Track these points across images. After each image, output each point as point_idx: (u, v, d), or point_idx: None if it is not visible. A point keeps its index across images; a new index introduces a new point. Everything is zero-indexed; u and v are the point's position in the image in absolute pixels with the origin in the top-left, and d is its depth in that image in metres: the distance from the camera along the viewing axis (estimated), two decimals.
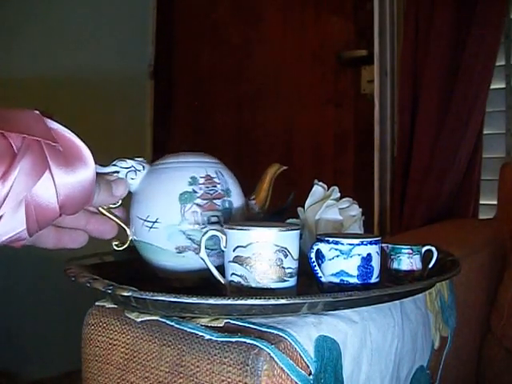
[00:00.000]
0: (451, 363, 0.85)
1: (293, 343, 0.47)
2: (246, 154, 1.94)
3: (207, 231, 0.55)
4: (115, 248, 0.60)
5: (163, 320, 0.52)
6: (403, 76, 1.47)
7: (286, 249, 0.54)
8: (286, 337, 0.47)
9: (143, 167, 0.59)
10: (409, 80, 1.44)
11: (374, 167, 1.58)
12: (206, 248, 0.54)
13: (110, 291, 0.50)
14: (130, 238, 0.60)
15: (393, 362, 0.61)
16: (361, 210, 0.76)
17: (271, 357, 0.45)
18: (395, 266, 0.67)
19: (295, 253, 0.55)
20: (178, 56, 2.17)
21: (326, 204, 0.74)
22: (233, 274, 0.55)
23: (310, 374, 0.48)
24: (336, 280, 0.58)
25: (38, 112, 0.46)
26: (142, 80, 2.12)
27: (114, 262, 0.70)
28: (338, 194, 0.77)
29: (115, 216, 0.58)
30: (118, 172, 0.58)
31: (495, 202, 1.35)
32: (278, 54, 1.90)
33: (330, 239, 0.58)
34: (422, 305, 0.71)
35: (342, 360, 0.52)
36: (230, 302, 0.47)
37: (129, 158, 0.59)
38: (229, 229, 0.55)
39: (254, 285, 0.53)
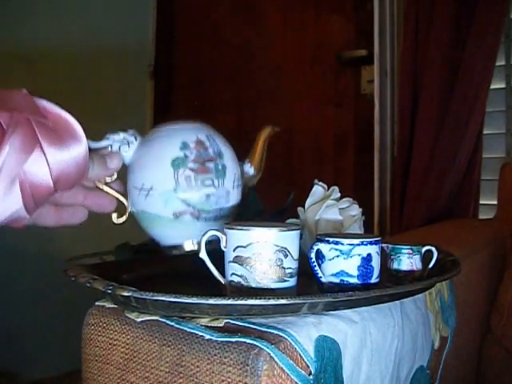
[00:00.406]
0: (451, 363, 0.85)
1: (293, 343, 0.47)
2: (245, 153, 1.94)
3: (207, 231, 0.55)
4: (114, 221, 0.60)
5: (163, 320, 0.52)
6: (403, 76, 1.47)
7: (286, 249, 0.54)
8: (286, 337, 0.47)
9: (135, 138, 0.60)
10: (409, 80, 1.44)
11: (374, 167, 1.58)
12: (202, 211, 0.56)
13: (110, 291, 0.50)
14: (129, 209, 0.60)
15: (393, 362, 0.61)
16: (361, 210, 0.76)
17: (271, 357, 0.45)
18: (395, 266, 0.67)
19: (295, 253, 0.55)
20: (178, 56, 2.17)
21: (326, 204, 0.74)
22: (233, 274, 0.55)
23: (310, 373, 0.48)
24: (336, 280, 0.58)
25: (26, 91, 0.46)
26: (142, 80, 2.12)
27: (113, 262, 0.70)
28: (338, 194, 0.77)
29: (112, 189, 0.58)
30: (111, 146, 0.58)
31: (495, 202, 1.35)
32: (278, 53, 1.90)
33: (330, 239, 0.58)
34: (422, 305, 0.71)
35: (341, 360, 0.52)
36: (230, 302, 0.47)
37: (120, 131, 0.60)
38: (229, 229, 0.55)
39: (254, 285, 0.53)
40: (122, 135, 0.59)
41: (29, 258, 1.95)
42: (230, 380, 0.46)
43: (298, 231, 0.56)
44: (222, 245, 0.55)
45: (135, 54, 2.09)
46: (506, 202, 1.28)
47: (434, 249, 0.68)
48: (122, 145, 0.59)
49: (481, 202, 1.44)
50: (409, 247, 0.67)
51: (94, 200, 0.57)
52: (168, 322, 0.51)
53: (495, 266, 1.12)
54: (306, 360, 0.48)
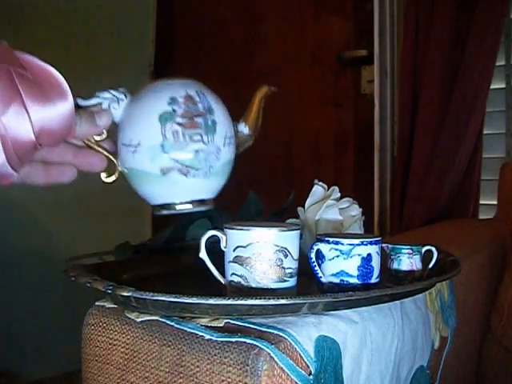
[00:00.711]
0: (451, 363, 0.85)
1: (293, 343, 0.47)
2: (245, 153, 1.94)
3: (207, 231, 0.55)
4: (104, 180, 0.59)
5: (163, 320, 0.52)
6: (403, 76, 1.47)
7: (286, 249, 0.54)
8: (286, 337, 0.47)
9: (125, 96, 0.58)
10: (409, 80, 1.44)
11: (374, 167, 1.58)
12: (191, 167, 0.55)
13: (110, 291, 0.50)
14: (119, 168, 0.58)
15: (393, 362, 0.61)
16: (361, 209, 0.77)
17: (271, 357, 0.45)
18: (395, 266, 0.67)
19: (295, 253, 0.55)
20: (177, 56, 2.17)
21: (326, 204, 0.74)
22: (233, 274, 0.55)
23: (310, 374, 0.48)
24: (336, 280, 0.58)
25: (6, 43, 0.45)
26: (142, 80, 2.12)
27: (113, 262, 0.70)
28: (338, 194, 0.77)
29: (103, 148, 0.57)
30: (100, 103, 0.57)
31: (495, 202, 1.35)
32: (278, 54, 1.90)
33: (330, 239, 0.58)
34: (422, 305, 0.71)
35: (342, 360, 0.52)
36: (230, 302, 0.47)
37: (110, 89, 0.58)
38: (229, 229, 0.55)
39: (254, 285, 0.53)
40: (111, 92, 0.58)
41: (29, 258, 1.95)
42: (229, 380, 0.46)
43: (298, 231, 0.56)
44: (222, 245, 0.55)
45: (135, 54, 2.09)
46: (506, 202, 1.28)
47: (433, 249, 0.68)
48: (112, 102, 0.57)
49: (481, 202, 1.44)
50: (409, 247, 0.67)
51: (83, 158, 0.56)
52: (168, 321, 0.51)
53: (495, 266, 1.12)
54: (305, 360, 0.48)
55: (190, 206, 0.58)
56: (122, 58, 2.03)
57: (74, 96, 0.50)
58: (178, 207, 0.58)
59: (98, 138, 0.57)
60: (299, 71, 1.85)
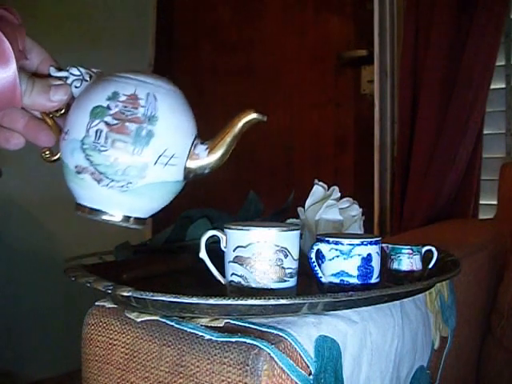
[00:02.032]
0: (451, 363, 0.85)
1: (293, 343, 0.47)
2: (245, 153, 1.94)
3: (207, 231, 0.55)
4: (43, 157, 0.55)
5: (163, 320, 0.52)
6: (403, 76, 1.47)
7: (286, 249, 0.54)
8: (286, 337, 0.47)
9: (90, 77, 0.54)
10: (409, 80, 1.44)
11: (374, 167, 1.58)
12: (105, 175, 0.49)
13: (109, 291, 0.50)
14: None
15: (393, 362, 0.61)
16: (361, 210, 0.77)
17: (271, 357, 0.45)
18: (395, 266, 0.67)
19: (295, 253, 0.55)
20: (177, 56, 2.17)
21: (326, 204, 0.74)
22: (233, 274, 0.55)
23: (310, 374, 0.48)
24: (336, 280, 0.58)
25: None
26: None
27: (113, 262, 0.71)
28: (338, 194, 0.77)
29: (56, 125, 0.54)
30: (66, 78, 0.53)
31: (495, 202, 1.35)
32: (278, 53, 1.90)
33: (330, 239, 0.58)
34: (422, 305, 0.71)
35: (342, 360, 0.52)
36: (230, 302, 0.47)
37: (86, 68, 0.55)
38: (229, 229, 0.55)
39: (254, 285, 0.53)
40: (82, 71, 0.54)
41: (29, 258, 1.95)
42: (229, 380, 0.46)
43: (298, 231, 0.56)
44: (222, 245, 0.55)
45: (135, 54, 2.09)
46: (506, 201, 1.28)
47: (433, 249, 0.68)
48: (76, 80, 0.53)
49: (481, 202, 1.44)
50: (409, 247, 0.67)
51: (32, 130, 0.54)
52: (168, 321, 0.51)
53: (495, 266, 1.12)
54: (305, 360, 0.48)
55: (104, 217, 0.52)
56: (122, 57, 2.03)
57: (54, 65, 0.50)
58: (90, 215, 0.53)
59: (55, 113, 0.53)
60: (299, 71, 1.86)
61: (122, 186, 0.50)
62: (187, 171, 0.53)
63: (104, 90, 0.51)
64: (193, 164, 0.53)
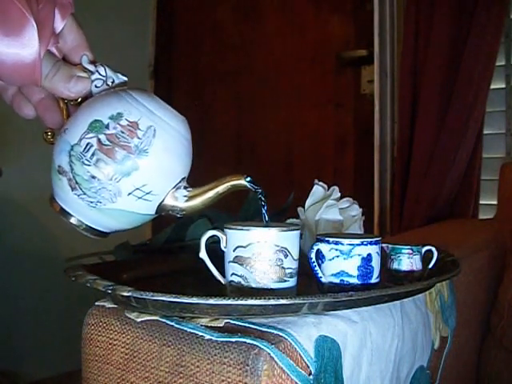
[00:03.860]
0: (451, 363, 0.85)
1: (293, 343, 0.47)
2: (245, 153, 1.94)
3: (207, 231, 0.55)
4: (43, 138, 0.56)
5: (163, 320, 0.52)
6: (403, 76, 1.47)
7: (286, 249, 0.54)
8: (286, 337, 0.47)
9: (112, 83, 0.55)
10: (409, 80, 1.44)
11: (374, 167, 1.58)
12: (80, 186, 0.50)
13: (110, 291, 0.50)
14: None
15: (393, 362, 0.61)
16: (361, 210, 0.77)
17: (271, 357, 0.45)
18: (395, 266, 0.67)
19: (295, 253, 0.55)
20: (177, 56, 2.17)
21: (326, 204, 0.74)
22: (233, 274, 0.55)
23: (310, 374, 0.48)
24: (336, 280, 0.58)
25: None
26: (142, 80, 2.12)
27: (113, 262, 0.71)
28: (338, 194, 0.77)
29: (67, 111, 0.55)
30: (92, 73, 0.54)
31: (495, 202, 1.35)
32: (278, 54, 1.90)
33: (330, 239, 0.58)
34: (422, 305, 0.71)
35: (342, 360, 0.52)
36: (230, 302, 0.47)
37: (114, 72, 0.55)
38: (229, 229, 0.55)
39: (254, 285, 0.53)
40: (108, 73, 0.54)
41: (29, 258, 1.95)
42: (229, 380, 0.46)
43: (298, 231, 0.56)
44: (222, 245, 0.55)
45: (135, 54, 2.09)
46: (506, 201, 1.28)
47: (433, 249, 0.68)
48: (99, 80, 0.54)
49: (481, 202, 1.44)
50: (409, 247, 0.67)
51: (43, 107, 0.55)
52: (168, 321, 0.51)
53: (495, 266, 1.12)
54: (306, 360, 0.48)
55: (71, 221, 0.53)
56: (121, 58, 2.03)
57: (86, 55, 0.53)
58: (59, 213, 0.54)
59: (70, 101, 0.54)
60: (299, 71, 1.86)
61: (92, 202, 0.51)
62: (160, 208, 0.54)
63: (110, 107, 0.51)
64: (168, 203, 0.54)
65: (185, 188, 0.54)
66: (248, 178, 0.54)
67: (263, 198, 0.56)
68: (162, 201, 0.53)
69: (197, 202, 0.54)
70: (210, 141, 1.99)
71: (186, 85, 2.14)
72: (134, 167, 0.50)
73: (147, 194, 0.51)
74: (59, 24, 0.53)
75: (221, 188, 0.54)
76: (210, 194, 0.54)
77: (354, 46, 1.71)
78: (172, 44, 2.18)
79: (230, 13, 2.03)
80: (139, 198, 0.51)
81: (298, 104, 1.85)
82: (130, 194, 0.51)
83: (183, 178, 0.54)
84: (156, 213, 0.54)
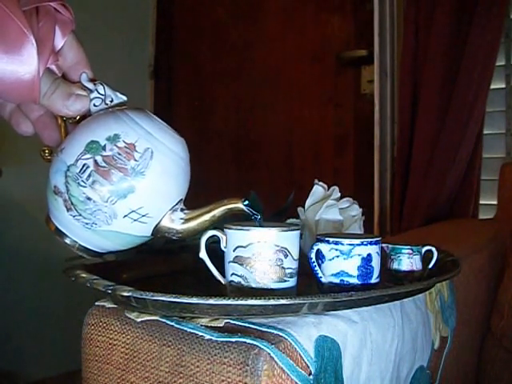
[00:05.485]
0: (451, 363, 0.85)
1: (293, 343, 0.47)
2: (245, 153, 1.94)
3: (207, 231, 0.55)
4: (40, 154, 0.55)
5: (163, 320, 0.52)
6: (403, 76, 1.47)
7: (286, 249, 0.54)
8: (286, 337, 0.47)
9: (111, 101, 0.54)
10: (409, 80, 1.44)
11: (374, 167, 1.58)
12: (75, 207, 0.50)
13: (110, 291, 0.50)
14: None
15: (393, 362, 0.61)
16: (361, 210, 0.77)
17: (271, 357, 0.45)
18: (395, 266, 0.67)
19: (295, 253, 0.55)
20: (177, 56, 2.17)
21: (326, 204, 0.74)
22: (233, 274, 0.55)
23: (310, 374, 0.48)
24: (336, 280, 0.58)
25: None
26: (142, 80, 2.12)
27: (114, 262, 0.70)
28: (338, 194, 0.77)
29: (64, 129, 0.55)
30: (90, 91, 0.53)
31: (495, 202, 1.35)
32: (278, 53, 1.90)
33: (330, 239, 0.58)
34: (422, 305, 0.71)
35: (342, 360, 0.52)
36: (230, 302, 0.47)
37: (113, 90, 0.55)
38: (229, 229, 0.55)
39: (254, 285, 0.53)
40: (107, 92, 0.54)
41: (29, 258, 1.95)
42: (229, 380, 0.46)
43: (298, 231, 0.56)
44: (222, 245, 0.55)
45: (135, 54, 2.09)
46: (506, 201, 1.28)
47: (433, 249, 0.68)
48: (97, 98, 0.53)
49: (481, 202, 1.44)
50: (409, 247, 0.67)
51: (41, 124, 0.55)
52: (168, 321, 0.51)
53: (495, 266, 1.12)
54: (306, 360, 0.48)
55: (66, 241, 0.54)
56: (121, 58, 2.03)
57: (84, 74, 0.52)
58: (54, 233, 0.54)
59: (69, 119, 0.54)
60: (299, 71, 1.86)
61: (87, 224, 0.51)
62: (157, 230, 0.53)
63: (108, 128, 0.50)
64: (165, 225, 0.53)
65: (181, 210, 0.54)
66: (246, 202, 0.54)
67: (261, 223, 0.55)
68: (158, 223, 0.53)
69: (193, 224, 0.54)
70: (210, 141, 2.00)
71: (185, 85, 2.15)
72: (130, 189, 0.50)
73: (143, 216, 0.51)
74: (59, 41, 0.52)
75: (217, 211, 0.54)
76: (207, 217, 0.54)
77: (354, 46, 1.71)
78: (172, 44, 2.18)
79: (230, 13, 2.03)
80: (135, 220, 0.51)
81: (297, 104, 1.85)
82: (125, 216, 0.50)
83: (180, 200, 0.54)
84: (152, 235, 0.54)
